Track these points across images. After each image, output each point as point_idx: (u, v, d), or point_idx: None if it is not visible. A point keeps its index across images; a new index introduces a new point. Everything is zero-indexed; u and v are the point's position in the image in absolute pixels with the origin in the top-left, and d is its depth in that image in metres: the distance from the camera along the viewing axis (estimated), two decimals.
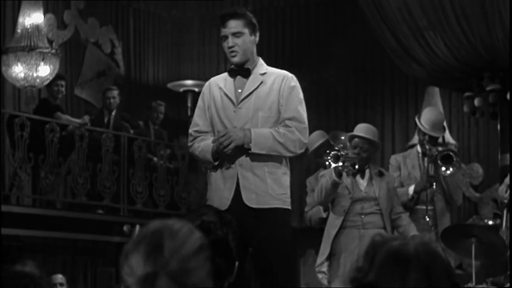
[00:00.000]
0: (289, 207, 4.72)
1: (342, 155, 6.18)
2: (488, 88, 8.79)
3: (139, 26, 12.74)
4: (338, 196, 6.34)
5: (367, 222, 6.31)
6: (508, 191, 6.41)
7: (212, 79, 4.89)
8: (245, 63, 4.75)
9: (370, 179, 6.42)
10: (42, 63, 9.83)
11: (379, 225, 6.32)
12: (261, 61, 4.82)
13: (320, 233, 6.64)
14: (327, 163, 6.18)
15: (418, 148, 7.15)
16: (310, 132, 6.79)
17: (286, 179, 4.73)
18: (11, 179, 9.69)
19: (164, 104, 11.42)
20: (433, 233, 6.83)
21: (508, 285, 6.42)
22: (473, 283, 6.62)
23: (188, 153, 10.15)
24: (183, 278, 1.92)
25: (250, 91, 4.70)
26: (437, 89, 10.85)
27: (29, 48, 9.82)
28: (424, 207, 6.91)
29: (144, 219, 9.59)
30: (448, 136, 11.03)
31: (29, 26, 9.90)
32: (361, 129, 6.51)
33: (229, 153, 4.58)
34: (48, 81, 9.98)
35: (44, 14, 10.42)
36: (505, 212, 6.18)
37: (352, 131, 6.68)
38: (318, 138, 7.36)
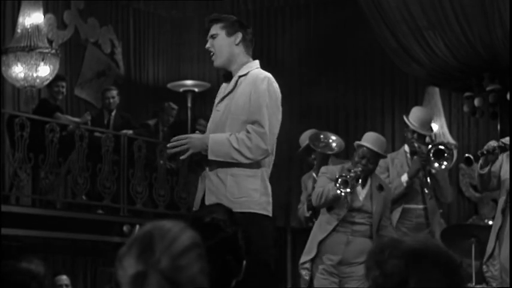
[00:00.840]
0: (252, 211, 4.47)
1: (350, 180, 6.12)
2: (488, 88, 8.79)
3: (139, 26, 12.74)
4: (335, 204, 6.33)
5: (356, 231, 6.32)
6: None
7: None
8: (227, 66, 4.73)
9: (370, 191, 6.38)
10: (42, 63, 9.83)
11: (366, 235, 6.34)
12: (250, 64, 4.73)
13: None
14: (338, 191, 6.12)
15: (406, 148, 7.11)
16: (303, 131, 6.78)
17: (253, 182, 4.53)
18: (11, 179, 9.69)
19: (177, 107, 11.36)
20: (426, 232, 6.82)
21: (508, 285, 6.41)
22: (473, 283, 6.62)
23: None
24: (174, 275, 1.92)
25: (225, 93, 4.70)
26: (437, 89, 10.84)
27: (29, 48, 9.82)
28: (416, 206, 6.89)
29: (144, 219, 9.59)
30: (448, 136, 11.03)
31: (29, 26, 9.90)
32: (371, 140, 6.41)
33: (183, 159, 4.59)
34: (48, 81, 9.98)
35: (44, 14, 10.42)
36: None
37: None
38: (305, 138, 7.36)
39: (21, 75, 9.82)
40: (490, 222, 10.15)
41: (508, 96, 8.67)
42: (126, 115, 10.96)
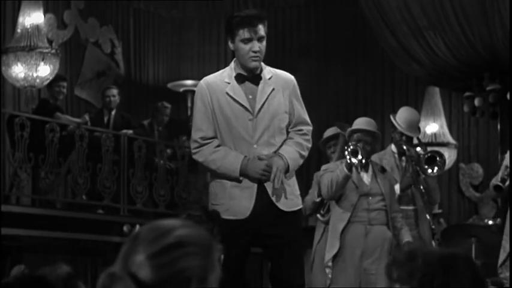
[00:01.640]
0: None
1: (361, 148, 6.15)
2: (488, 88, 8.79)
3: (139, 26, 12.74)
4: (345, 191, 6.33)
5: (373, 219, 6.30)
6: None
7: (209, 81, 4.69)
8: (259, 68, 4.67)
9: (374, 175, 6.40)
10: (42, 63, 9.83)
11: (383, 222, 6.31)
12: (264, 65, 4.74)
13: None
14: (347, 158, 6.13)
15: (393, 148, 7.07)
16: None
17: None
18: (11, 178, 9.69)
19: (170, 106, 11.37)
20: (415, 231, 6.81)
21: (508, 285, 6.41)
22: None
23: (188, 153, 10.17)
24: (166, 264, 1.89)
25: (264, 99, 4.61)
26: (437, 89, 10.85)
27: (29, 48, 9.82)
28: (406, 207, 6.90)
29: (144, 219, 9.59)
30: (448, 136, 11.03)
31: (29, 26, 9.90)
32: (361, 123, 6.48)
33: (278, 185, 4.54)
34: (48, 81, 9.98)
35: (44, 13, 10.41)
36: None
37: None
38: (329, 132, 7.31)
39: (21, 75, 9.82)
40: (490, 222, 10.17)
41: (508, 96, 8.67)
42: (126, 115, 10.96)
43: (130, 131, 10.67)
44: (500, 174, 6.14)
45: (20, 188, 9.73)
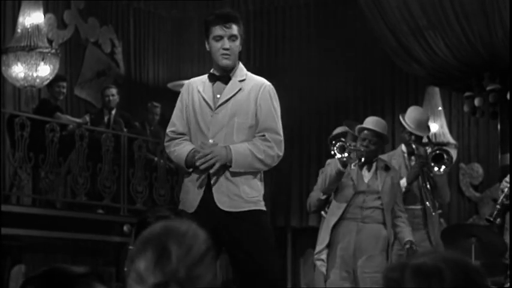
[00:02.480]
0: (263, 209, 4.73)
1: (347, 146, 6.17)
2: (488, 88, 8.79)
3: (139, 26, 12.74)
4: (341, 186, 6.35)
5: (366, 216, 6.31)
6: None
7: (192, 80, 4.89)
8: (232, 68, 4.73)
9: (376, 172, 6.42)
10: (42, 63, 9.83)
11: (378, 220, 6.31)
12: (241, 66, 4.79)
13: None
14: (332, 153, 6.18)
15: (403, 147, 7.10)
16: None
17: (259, 182, 4.74)
18: (11, 178, 9.70)
19: (160, 105, 11.40)
20: (423, 232, 6.82)
21: (508, 285, 6.42)
22: None
23: None
24: (192, 284, 1.93)
25: (228, 97, 4.70)
26: (437, 89, 10.85)
27: (29, 48, 9.82)
28: (414, 206, 6.90)
29: None
30: (448, 136, 11.03)
31: (29, 26, 9.90)
32: (371, 122, 6.50)
33: (213, 171, 4.59)
34: (48, 81, 9.98)
35: (44, 13, 10.42)
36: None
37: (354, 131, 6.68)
38: (338, 129, 7.32)
39: (21, 75, 9.82)
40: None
41: (508, 96, 8.67)
42: (126, 115, 10.96)
43: (125, 129, 10.65)
44: (498, 202, 6.23)
45: (20, 187, 9.74)
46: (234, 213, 4.62)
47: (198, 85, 4.79)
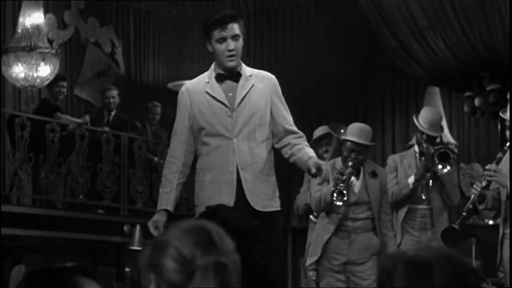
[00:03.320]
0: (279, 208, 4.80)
1: (343, 189, 6.12)
2: (488, 88, 8.79)
3: (139, 26, 12.74)
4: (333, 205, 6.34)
5: (358, 227, 6.30)
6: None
7: (189, 84, 4.83)
8: (237, 67, 4.72)
9: (364, 181, 6.37)
10: (42, 63, 9.83)
11: (369, 229, 6.31)
12: (242, 63, 4.79)
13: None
14: (336, 203, 6.12)
15: (416, 148, 7.13)
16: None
17: (274, 181, 4.81)
18: (11, 178, 9.70)
19: (160, 104, 11.40)
20: (430, 232, 6.82)
21: (508, 285, 6.42)
22: None
23: None
24: (235, 269, 1.99)
25: (243, 95, 4.67)
26: (437, 89, 10.85)
27: (29, 48, 9.82)
28: (421, 206, 6.91)
29: (145, 219, 9.59)
30: (448, 136, 11.03)
31: (29, 26, 9.90)
32: (354, 132, 6.35)
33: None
34: (48, 81, 9.99)
35: (44, 14, 10.42)
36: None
37: None
38: (320, 130, 7.34)
39: (22, 75, 9.82)
40: (491, 222, 10.16)
41: (508, 96, 8.67)
42: (125, 117, 10.94)
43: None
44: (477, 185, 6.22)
45: (21, 188, 9.74)
46: (267, 213, 4.63)
47: (202, 87, 4.71)
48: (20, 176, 9.59)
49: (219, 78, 4.70)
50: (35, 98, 10.65)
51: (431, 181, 6.87)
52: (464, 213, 6.33)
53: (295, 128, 4.80)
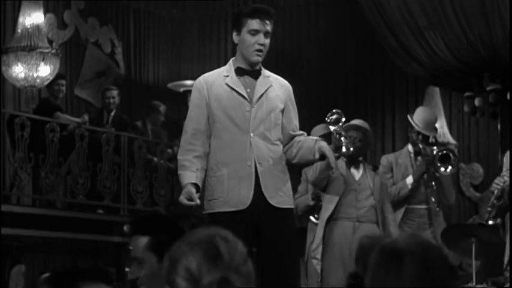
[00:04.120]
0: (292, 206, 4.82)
1: (342, 122, 6.14)
2: (488, 88, 8.78)
3: (139, 26, 12.74)
4: (332, 181, 6.35)
5: (361, 216, 6.32)
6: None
7: (206, 76, 4.73)
8: (259, 64, 4.70)
9: (365, 171, 6.43)
10: (42, 63, 9.83)
11: (373, 220, 6.33)
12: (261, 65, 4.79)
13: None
14: (328, 125, 6.14)
15: (409, 147, 7.11)
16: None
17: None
18: (11, 178, 9.69)
19: (165, 106, 11.34)
20: (429, 231, 6.82)
21: (508, 285, 6.42)
22: (474, 283, 6.62)
23: None
24: (244, 283, 1.97)
25: (262, 92, 4.64)
26: (437, 89, 10.85)
27: (29, 48, 9.82)
28: (419, 206, 6.91)
29: None
30: (448, 136, 11.03)
31: (29, 26, 9.90)
32: (356, 121, 6.61)
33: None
34: (48, 81, 9.98)
35: (44, 13, 10.42)
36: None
37: None
38: (319, 130, 7.35)
39: (22, 75, 9.82)
40: (490, 222, 10.14)
41: (508, 96, 8.67)
42: (125, 117, 10.93)
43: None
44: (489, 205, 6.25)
45: (21, 187, 9.74)
46: (282, 209, 4.61)
47: (221, 79, 4.66)
48: (20, 176, 9.58)
49: (239, 72, 4.66)
50: (34, 98, 10.65)
51: (434, 183, 6.86)
52: (489, 209, 6.35)
53: (299, 131, 4.85)
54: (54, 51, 10.07)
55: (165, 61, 13.01)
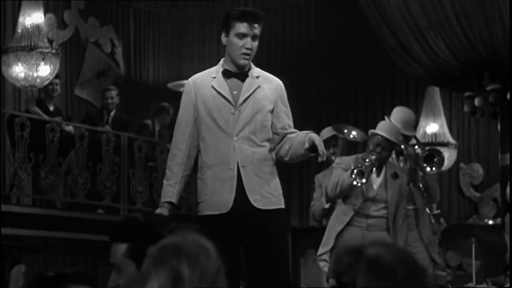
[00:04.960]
0: (283, 206, 4.73)
1: (365, 170, 6.11)
2: (488, 88, 8.78)
3: (139, 26, 12.74)
4: (350, 194, 6.32)
5: (371, 225, 6.29)
6: None
7: (196, 77, 4.73)
8: (247, 66, 4.68)
9: (385, 180, 6.37)
10: (42, 63, 9.83)
11: (382, 228, 6.30)
12: (252, 63, 4.76)
13: (322, 233, 6.66)
14: (354, 182, 6.12)
15: None
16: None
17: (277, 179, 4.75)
18: (11, 178, 9.69)
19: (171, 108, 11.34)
20: (416, 231, 6.82)
21: (508, 285, 6.43)
22: (473, 283, 6.63)
23: None
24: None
25: (248, 94, 4.62)
26: (437, 89, 10.85)
27: (29, 48, 9.82)
28: (407, 207, 6.91)
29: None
30: (448, 136, 11.04)
31: (29, 26, 9.90)
32: (386, 129, 6.41)
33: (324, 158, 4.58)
34: (48, 81, 9.99)
35: (44, 13, 10.41)
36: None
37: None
38: (326, 132, 7.35)
39: (22, 75, 9.82)
40: (490, 222, 10.18)
41: (508, 96, 8.67)
42: (125, 117, 10.93)
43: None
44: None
45: (20, 187, 9.74)
46: (269, 211, 4.58)
47: (209, 81, 4.66)
48: (20, 176, 9.58)
49: (226, 75, 4.65)
50: (34, 97, 10.65)
51: (421, 184, 6.86)
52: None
53: (291, 129, 4.75)
54: (54, 51, 10.07)
55: (165, 61, 13.01)
